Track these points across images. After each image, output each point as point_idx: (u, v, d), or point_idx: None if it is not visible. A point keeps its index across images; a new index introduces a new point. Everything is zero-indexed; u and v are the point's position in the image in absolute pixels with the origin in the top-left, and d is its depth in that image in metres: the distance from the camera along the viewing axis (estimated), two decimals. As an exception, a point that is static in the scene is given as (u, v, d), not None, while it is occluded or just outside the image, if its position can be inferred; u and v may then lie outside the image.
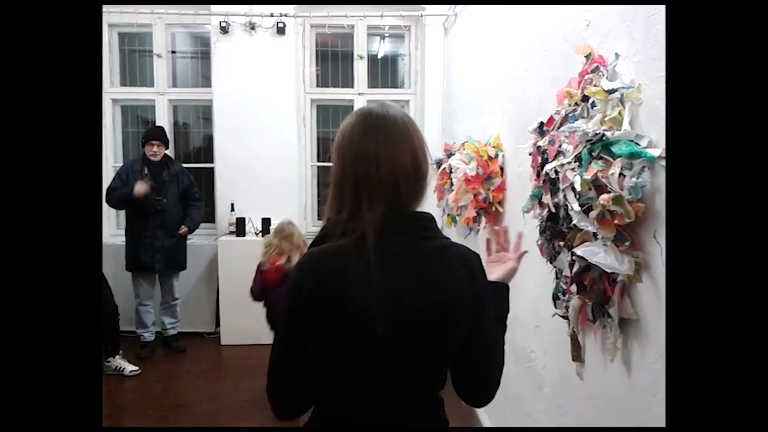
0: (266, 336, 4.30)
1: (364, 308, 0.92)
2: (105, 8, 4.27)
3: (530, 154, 1.91)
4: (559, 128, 1.65)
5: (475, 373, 1.09)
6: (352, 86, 4.76)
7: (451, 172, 2.95)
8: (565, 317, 1.75)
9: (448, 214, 3.17)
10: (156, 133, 4.11)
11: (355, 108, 4.53)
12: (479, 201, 2.66)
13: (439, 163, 3.35)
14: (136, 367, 3.83)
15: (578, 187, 1.40)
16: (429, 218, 1.03)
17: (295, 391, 1.04)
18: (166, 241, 4.05)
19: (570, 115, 1.60)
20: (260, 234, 4.38)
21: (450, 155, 3.23)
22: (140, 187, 3.86)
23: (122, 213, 4.39)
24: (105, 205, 3.97)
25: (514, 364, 2.48)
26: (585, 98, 1.52)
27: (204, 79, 4.84)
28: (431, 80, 4.53)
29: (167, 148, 4.16)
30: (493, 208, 2.62)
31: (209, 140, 4.84)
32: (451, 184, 2.97)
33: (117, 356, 3.81)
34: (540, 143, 1.77)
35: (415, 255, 0.98)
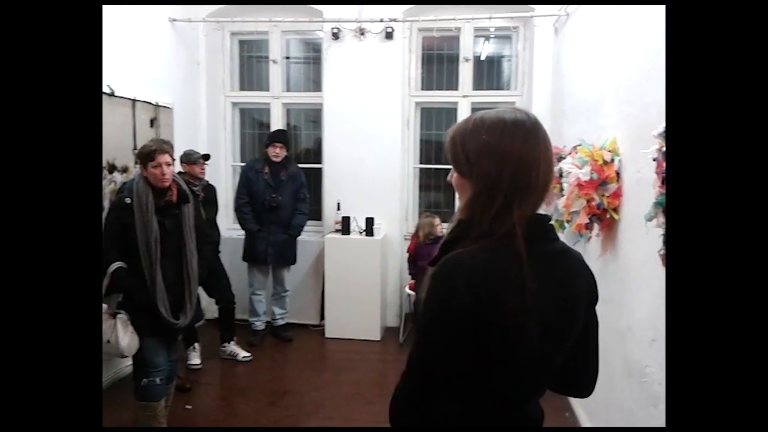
0: (367, 332, 4.48)
1: (517, 311, 0.91)
2: (228, 17, 4.62)
3: (654, 160, 1.84)
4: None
5: (584, 367, 1.11)
6: (456, 88, 4.78)
7: (561, 176, 2.89)
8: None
9: (557, 220, 3.10)
10: (280, 136, 4.41)
11: (460, 111, 4.55)
12: (592, 207, 2.58)
13: (548, 167, 3.28)
14: (248, 354, 4.11)
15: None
16: (550, 220, 1.05)
17: (443, 398, 0.99)
18: (279, 236, 4.32)
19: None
20: (364, 233, 4.53)
21: (560, 159, 3.15)
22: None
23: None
24: (227, 201, 4.29)
25: (625, 379, 2.39)
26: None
27: (314, 83, 5.07)
28: (539, 82, 4.44)
29: (288, 150, 4.43)
30: (608, 215, 2.53)
31: (317, 142, 5.07)
32: (561, 189, 2.91)
33: (231, 342, 4.11)
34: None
35: (547, 256, 0.99)
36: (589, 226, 2.76)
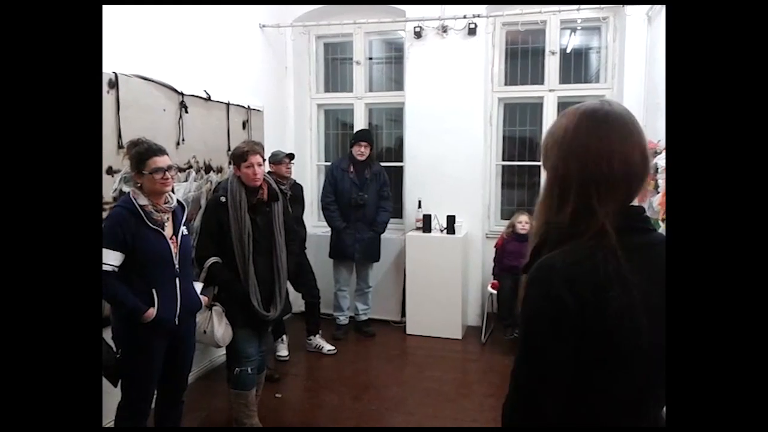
0: (448, 330, 4.47)
1: (624, 308, 0.88)
2: (314, 21, 4.77)
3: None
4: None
5: None
6: (541, 83, 4.65)
7: (656, 172, 2.74)
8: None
9: (652, 218, 2.94)
10: (365, 135, 4.52)
11: (546, 105, 4.43)
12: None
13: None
14: (333, 347, 4.23)
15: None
16: (644, 211, 1.00)
17: (553, 412, 0.94)
18: (365, 233, 4.42)
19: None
20: (444, 231, 4.52)
21: (655, 154, 2.99)
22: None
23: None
24: (313, 199, 4.42)
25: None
26: None
27: (395, 83, 5.12)
28: (631, 73, 4.23)
29: (372, 149, 4.52)
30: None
31: (398, 140, 5.12)
32: (657, 186, 2.76)
33: (317, 335, 4.25)
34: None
35: (649, 248, 0.95)
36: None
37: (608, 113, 0.97)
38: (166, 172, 2.28)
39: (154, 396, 2.46)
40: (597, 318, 0.89)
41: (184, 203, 2.52)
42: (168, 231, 2.35)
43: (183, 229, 2.42)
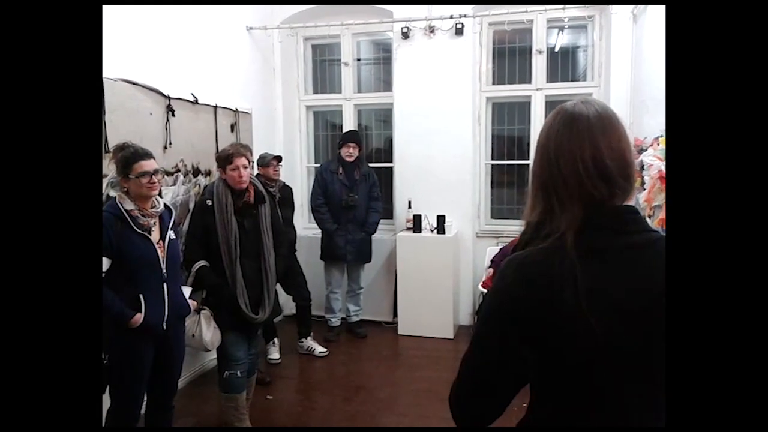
0: (440, 330, 4.48)
1: (576, 311, 0.89)
2: (301, 23, 4.76)
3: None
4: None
5: None
6: (529, 82, 4.67)
7: (642, 169, 2.76)
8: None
9: (638, 215, 2.96)
10: (353, 136, 4.52)
11: (533, 104, 4.45)
12: (676, 201, 2.45)
13: (627, 160, 3.14)
14: (325, 349, 4.22)
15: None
16: (631, 211, 0.97)
17: (494, 401, 1.00)
18: (356, 234, 4.42)
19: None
20: (435, 231, 4.53)
21: (641, 151, 3.01)
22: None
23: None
24: (303, 201, 4.42)
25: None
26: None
27: (384, 83, 5.12)
28: (617, 72, 4.25)
29: (361, 150, 4.52)
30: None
31: (388, 141, 5.12)
32: (643, 183, 2.78)
33: (309, 337, 4.24)
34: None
35: (622, 251, 0.93)
36: (673, 222, 2.62)
37: (574, 114, 0.97)
38: (153, 176, 2.26)
39: (145, 401, 2.45)
40: (553, 318, 0.91)
41: (171, 207, 2.51)
42: (155, 236, 2.33)
43: (170, 234, 2.40)
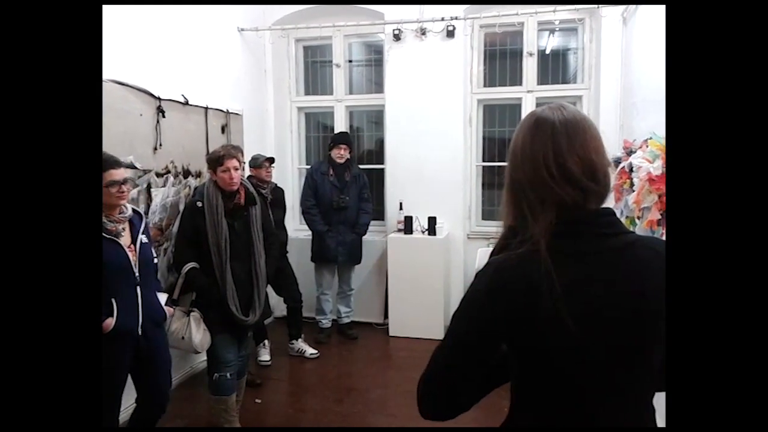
0: (431, 331, 4.48)
1: (552, 315, 0.89)
2: (293, 24, 4.75)
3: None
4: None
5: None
6: (520, 84, 4.69)
7: (631, 171, 2.78)
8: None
9: (627, 216, 2.98)
10: (344, 138, 4.52)
11: (524, 106, 4.46)
12: (664, 202, 2.46)
13: (617, 162, 3.16)
14: (316, 350, 4.21)
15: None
16: (608, 214, 0.98)
17: (461, 399, 1.01)
18: (347, 236, 4.42)
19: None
20: (426, 232, 4.53)
21: (630, 153, 3.03)
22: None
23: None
24: (293, 203, 4.41)
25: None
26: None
27: (376, 85, 5.13)
28: (607, 74, 4.28)
29: (352, 151, 4.52)
30: (682, 211, 2.41)
31: (379, 143, 5.13)
32: (632, 184, 2.80)
33: (299, 339, 4.23)
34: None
35: (600, 254, 0.94)
36: (661, 223, 2.64)
37: (539, 119, 0.98)
38: (122, 186, 2.22)
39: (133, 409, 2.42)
40: (531, 322, 0.92)
41: (141, 213, 2.48)
42: (125, 240, 2.30)
43: (142, 237, 2.37)
